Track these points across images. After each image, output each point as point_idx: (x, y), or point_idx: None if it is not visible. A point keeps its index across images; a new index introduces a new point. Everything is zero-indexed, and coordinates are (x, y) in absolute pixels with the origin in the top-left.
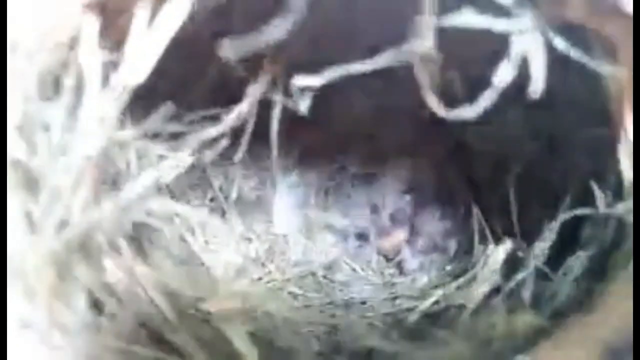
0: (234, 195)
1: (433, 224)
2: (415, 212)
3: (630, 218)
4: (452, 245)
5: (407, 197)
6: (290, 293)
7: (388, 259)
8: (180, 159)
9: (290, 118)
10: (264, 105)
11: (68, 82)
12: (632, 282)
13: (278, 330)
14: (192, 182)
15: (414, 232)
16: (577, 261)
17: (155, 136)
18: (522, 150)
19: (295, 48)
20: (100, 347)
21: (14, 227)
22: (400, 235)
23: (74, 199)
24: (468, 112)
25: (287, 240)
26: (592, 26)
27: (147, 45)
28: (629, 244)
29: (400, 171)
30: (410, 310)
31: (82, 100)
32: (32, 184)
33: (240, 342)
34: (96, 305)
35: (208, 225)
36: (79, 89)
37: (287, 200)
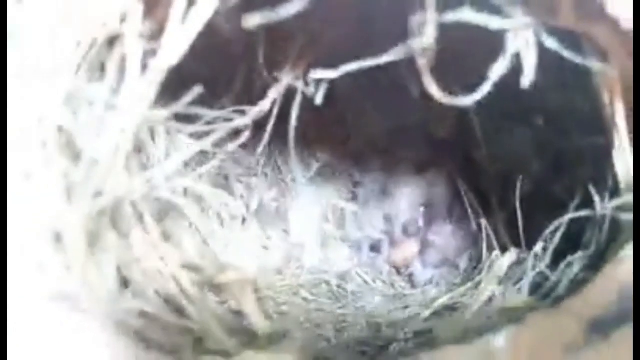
0: (254, 204)
1: (444, 237)
2: (427, 225)
3: (623, 216)
4: (463, 259)
5: (420, 210)
6: (303, 298)
7: (399, 272)
8: (205, 145)
9: (309, 132)
10: (286, 104)
11: (112, 66)
12: (617, 266)
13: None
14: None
15: (425, 245)
16: (578, 262)
17: (184, 119)
18: (528, 167)
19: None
20: (127, 313)
21: (53, 191)
22: (412, 247)
23: (109, 171)
24: (466, 100)
25: (303, 249)
26: (582, 30)
27: (181, 33)
28: (622, 238)
29: (414, 186)
30: (418, 314)
31: (124, 82)
32: (73, 153)
33: (252, 310)
34: (124, 278)
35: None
36: (121, 72)
37: (305, 212)
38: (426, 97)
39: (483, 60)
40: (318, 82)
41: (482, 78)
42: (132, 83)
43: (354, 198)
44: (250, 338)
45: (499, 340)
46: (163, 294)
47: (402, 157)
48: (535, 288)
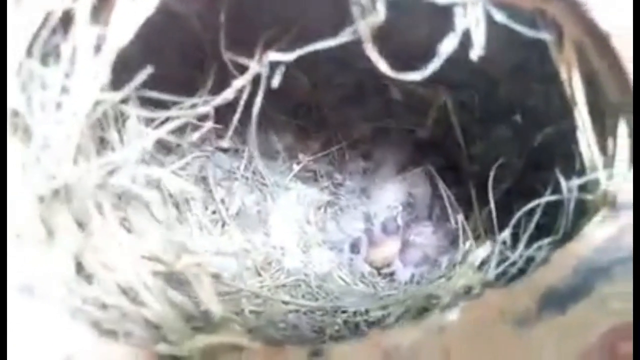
0: (234, 208)
1: (425, 236)
2: (407, 224)
3: (588, 196)
4: (445, 257)
5: (399, 208)
6: (282, 300)
7: (380, 272)
8: (165, 130)
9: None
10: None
11: (66, 49)
12: (575, 241)
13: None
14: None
15: (405, 244)
16: (546, 247)
17: (143, 105)
18: (507, 164)
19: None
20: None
21: (12, 172)
22: (392, 247)
23: (63, 153)
24: (414, 75)
25: (283, 252)
26: (534, 6)
27: (131, 12)
28: (585, 220)
29: (394, 186)
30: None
31: (76, 66)
32: (26, 134)
33: (207, 295)
34: (81, 267)
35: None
36: (74, 56)
37: (286, 214)
38: (407, 98)
39: (433, 36)
40: (275, 65)
41: (432, 54)
42: (84, 65)
43: (336, 199)
44: (204, 323)
45: (452, 314)
46: (122, 284)
47: (383, 158)
48: (502, 274)
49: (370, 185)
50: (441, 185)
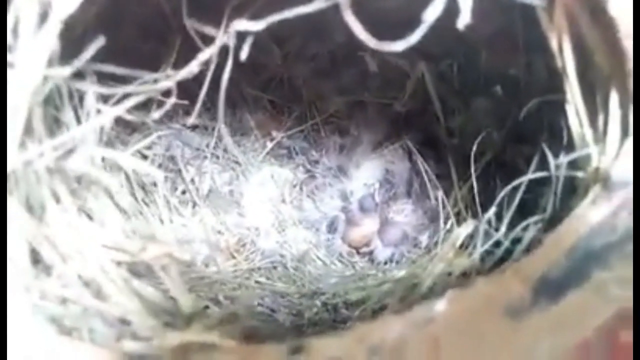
0: (205, 188)
1: (404, 214)
2: (385, 202)
3: (578, 173)
4: (424, 235)
5: (376, 186)
6: (257, 282)
7: (358, 251)
8: (124, 108)
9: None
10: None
11: (8, 22)
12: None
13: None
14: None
15: (384, 222)
16: (533, 226)
17: (93, 80)
18: (488, 138)
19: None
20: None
21: None
22: (370, 225)
23: (10, 134)
24: (397, 46)
25: (258, 232)
26: None
27: None
28: (577, 196)
29: (372, 163)
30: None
31: (20, 38)
32: None
33: (174, 286)
34: (38, 260)
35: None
36: (17, 28)
37: (260, 194)
38: (383, 70)
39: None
40: (242, 35)
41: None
42: (27, 36)
43: (311, 177)
44: (172, 318)
45: (440, 305)
46: (83, 277)
47: (359, 133)
48: (487, 254)
49: (346, 163)
50: (420, 161)
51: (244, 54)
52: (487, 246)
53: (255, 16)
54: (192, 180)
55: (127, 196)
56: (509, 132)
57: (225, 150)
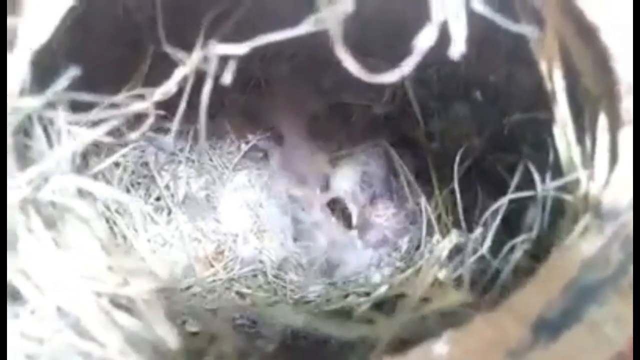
0: (181, 194)
1: (383, 217)
2: (364, 205)
3: (566, 196)
4: (404, 240)
5: (357, 188)
6: (237, 293)
7: None
8: (96, 134)
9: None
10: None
11: None
12: (559, 258)
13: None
14: (135, 180)
15: (364, 225)
16: (520, 246)
17: (65, 107)
18: (467, 144)
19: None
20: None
21: None
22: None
23: None
24: (389, 77)
25: (236, 239)
26: None
27: (47, 5)
28: (566, 220)
29: (350, 165)
30: (358, 304)
31: None
32: None
33: (161, 326)
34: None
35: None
36: None
37: (237, 198)
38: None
39: (408, 29)
40: (225, 59)
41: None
42: None
43: (289, 181)
44: (163, 356)
45: (439, 347)
46: (62, 310)
47: (336, 136)
48: (477, 275)
49: (324, 165)
50: (398, 164)
51: (227, 79)
52: (473, 259)
53: (233, 36)
54: (167, 186)
55: (104, 224)
56: (489, 138)
57: (200, 154)
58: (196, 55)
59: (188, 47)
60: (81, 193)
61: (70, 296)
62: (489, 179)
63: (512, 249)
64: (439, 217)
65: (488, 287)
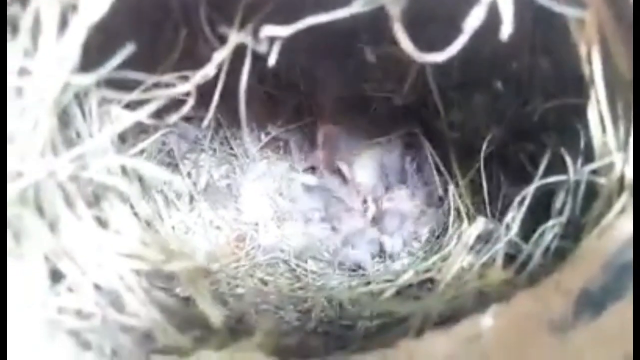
0: (202, 182)
1: (405, 206)
2: (384, 193)
3: (599, 179)
4: (425, 228)
5: (378, 177)
6: (260, 279)
7: None
8: (141, 115)
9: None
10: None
11: (25, 23)
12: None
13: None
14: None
15: (382, 213)
16: (550, 230)
17: (115, 85)
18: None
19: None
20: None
21: None
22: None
23: (29, 147)
24: (439, 56)
25: (257, 228)
26: None
27: None
28: (599, 204)
29: (371, 154)
30: (382, 291)
31: (39, 42)
32: None
33: (204, 302)
34: (55, 271)
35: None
36: (36, 30)
37: (258, 187)
38: (383, 62)
39: (456, 11)
40: (270, 40)
41: (456, 31)
42: (48, 43)
43: (309, 170)
44: (204, 333)
45: (485, 321)
46: (101, 288)
47: (358, 126)
48: (508, 260)
49: (344, 154)
50: (419, 153)
51: (272, 60)
52: (501, 246)
53: (270, 18)
54: (189, 174)
55: (144, 203)
56: (510, 127)
57: (221, 143)
58: (237, 36)
59: (229, 28)
60: (123, 172)
61: (110, 274)
62: (510, 168)
63: (542, 233)
64: (457, 208)
65: (520, 269)
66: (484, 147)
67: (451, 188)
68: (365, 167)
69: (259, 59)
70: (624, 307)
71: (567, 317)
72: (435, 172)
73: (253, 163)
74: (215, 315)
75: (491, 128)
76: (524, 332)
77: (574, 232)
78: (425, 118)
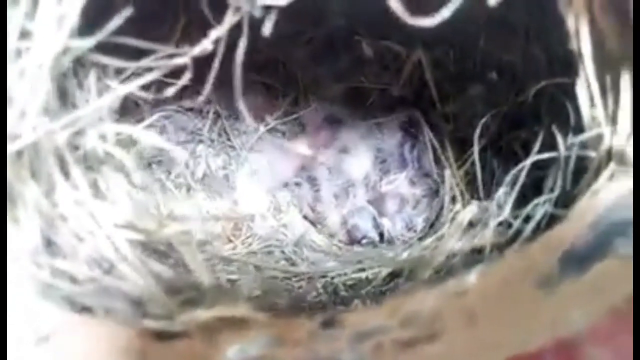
0: (200, 172)
1: (399, 191)
2: (381, 184)
3: (589, 153)
4: (421, 214)
5: (375, 165)
6: (255, 266)
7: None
8: (138, 84)
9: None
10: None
11: None
12: (589, 198)
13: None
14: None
15: (379, 199)
16: (542, 206)
17: (113, 51)
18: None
19: None
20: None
21: None
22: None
23: (27, 108)
24: (430, 21)
25: (253, 218)
26: None
27: None
28: (587, 176)
29: (368, 143)
30: (377, 274)
31: (40, 5)
32: None
33: (196, 264)
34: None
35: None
36: None
37: (254, 179)
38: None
39: None
40: (267, 9)
41: None
42: (49, 4)
43: (306, 159)
44: (195, 294)
45: (470, 277)
46: (95, 256)
47: (355, 117)
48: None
49: (340, 144)
50: (426, 132)
51: (267, 29)
52: (493, 225)
53: None
54: (186, 164)
55: (140, 172)
56: (505, 117)
57: (219, 134)
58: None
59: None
60: (119, 142)
61: (105, 243)
62: (504, 157)
63: (534, 208)
64: (453, 197)
65: (511, 242)
66: (476, 133)
67: (447, 173)
68: (362, 154)
69: (257, 52)
70: (611, 264)
71: (553, 273)
72: (430, 158)
73: (251, 154)
74: (207, 277)
75: (485, 118)
76: (511, 287)
77: (564, 203)
78: (421, 110)
